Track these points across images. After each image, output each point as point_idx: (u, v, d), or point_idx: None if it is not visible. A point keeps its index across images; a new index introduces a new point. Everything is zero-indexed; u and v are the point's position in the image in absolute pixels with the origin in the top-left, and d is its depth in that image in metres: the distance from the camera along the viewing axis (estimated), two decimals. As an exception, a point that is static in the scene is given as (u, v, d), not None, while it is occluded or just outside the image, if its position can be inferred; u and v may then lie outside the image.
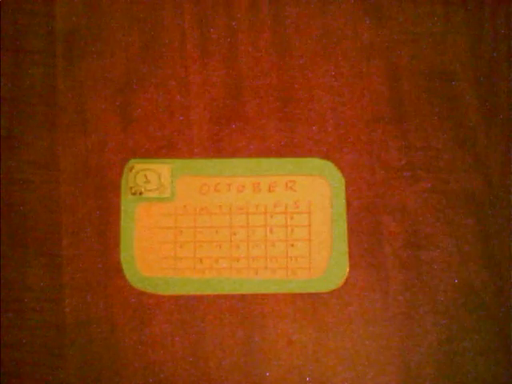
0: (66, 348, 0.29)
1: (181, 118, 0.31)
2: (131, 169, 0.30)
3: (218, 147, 0.31)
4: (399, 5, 0.31)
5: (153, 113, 0.31)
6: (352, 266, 0.30)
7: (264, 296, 0.29)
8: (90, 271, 0.30)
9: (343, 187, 0.30)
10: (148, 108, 0.31)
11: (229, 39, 0.31)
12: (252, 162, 0.30)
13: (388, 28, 0.31)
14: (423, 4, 0.31)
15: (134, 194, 0.30)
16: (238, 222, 0.30)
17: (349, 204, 0.30)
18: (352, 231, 0.30)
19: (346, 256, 0.29)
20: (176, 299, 0.30)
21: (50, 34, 0.31)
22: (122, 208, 0.30)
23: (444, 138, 0.31)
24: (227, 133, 0.31)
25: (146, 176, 0.30)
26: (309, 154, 0.30)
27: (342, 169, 0.30)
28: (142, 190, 0.30)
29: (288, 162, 0.30)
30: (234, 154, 0.30)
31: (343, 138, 0.31)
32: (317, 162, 0.30)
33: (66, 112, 0.31)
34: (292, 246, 0.30)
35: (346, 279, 0.30)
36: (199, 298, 0.29)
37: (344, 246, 0.29)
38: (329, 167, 0.30)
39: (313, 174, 0.30)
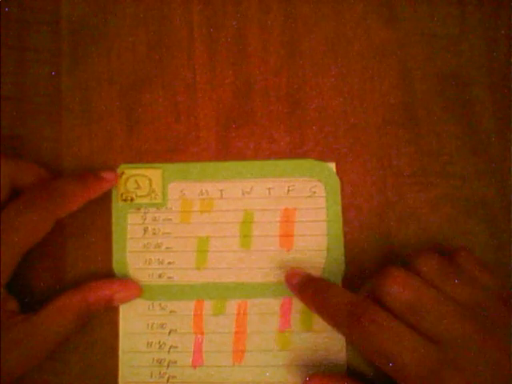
0: (68, 352, 0.29)
1: (188, 120, 0.30)
2: (121, 174, 0.29)
3: (226, 150, 0.30)
4: (413, 5, 0.31)
5: (159, 114, 0.30)
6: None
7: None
8: (95, 274, 0.29)
9: (338, 191, 0.29)
10: (154, 109, 0.30)
11: (238, 40, 0.31)
12: (245, 166, 0.30)
13: (401, 29, 0.31)
14: (438, 5, 0.31)
15: (124, 200, 0.29)
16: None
17: (358, 210, 0.29)
18: (362, 238, 0.29)
19: (342, 264, 0.29)
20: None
21: (55, 33, 0.31)
22: (114, 215, 0.29)
23: (457, 144, 0.30)
24: (235, 135, 0.30)
25: (136, 181, 0.29)
26: (317, 157, 0.30)
27: (350, 173, 0.30)
28: (133, 196, 0.29)
29: (286, 165, 0.30)
30: (242, 156, 0.30)
31: (353, 142, 0.30)
32: (313, 164, 0.30)
33: (70, 112, 0.30)
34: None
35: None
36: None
37: (339, 255, 0.29)
38: (325, 170, 0.29)
39: (310, 177, 0.29)
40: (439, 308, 0.23)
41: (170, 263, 0.29)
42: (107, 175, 0.28)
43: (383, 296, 0.24)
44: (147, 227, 0.29)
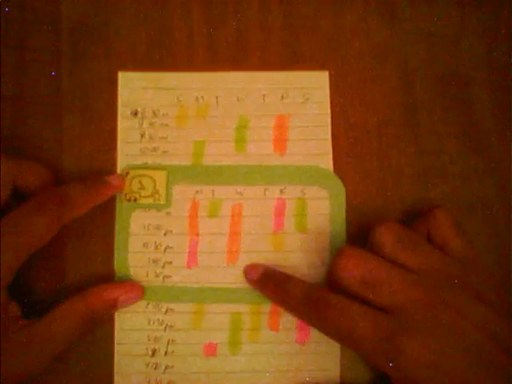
0: (68, 352, 0.28)
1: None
2: (126, 175, 0.29)
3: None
4: (413, 5, 0.31)
5: (159, 114, 0.30)
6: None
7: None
8: (95, 275, 0.29)
9: (343, 198, 0.29)
10: (154, 109, 0.30)
11: (238, 40, 0.31)
12: (249, 170, 0.30)
13: (401, 29, 0.31)
14: (438, 5, 0.31)
15: (128, 200, 0.29)
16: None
17: (358, 210, 0.29)
18: (362, 239, 0.29)
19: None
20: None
21: (55, 33, 0.31)
22: (117, 214, 0.29)
23: (457, 144, 0.30)
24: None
25: (140, 182, 0.29)
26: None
27: (350, 173, 0.30)
28: (137, 196, 0.29)
29: (289, 170, 0.30)
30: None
31: (353, 142, 0.30)
32: (316, 170, 0.30)
33: (70, 112, 0.30)
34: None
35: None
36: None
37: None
38: (329, 176, 0.30)
39: (312, 184, 0.30)
40: (389, 279, 0.24)
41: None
42: (114, 180, 0.28)
43: (339, 276, 0.25)
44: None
